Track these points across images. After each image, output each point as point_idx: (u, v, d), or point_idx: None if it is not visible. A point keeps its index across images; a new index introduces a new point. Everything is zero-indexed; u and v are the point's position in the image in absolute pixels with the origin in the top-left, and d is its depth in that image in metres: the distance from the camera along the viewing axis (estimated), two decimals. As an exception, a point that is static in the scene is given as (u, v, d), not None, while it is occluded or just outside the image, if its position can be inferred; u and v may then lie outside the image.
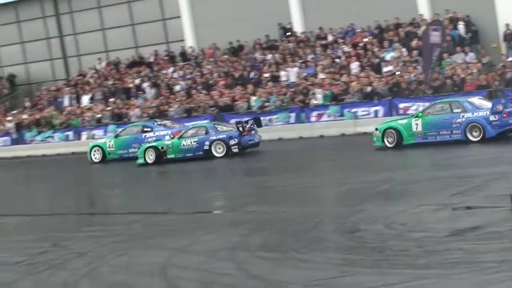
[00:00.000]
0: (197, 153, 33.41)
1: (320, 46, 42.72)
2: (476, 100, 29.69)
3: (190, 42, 48.22)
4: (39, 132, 43.35)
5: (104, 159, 37.51)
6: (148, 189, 28.57)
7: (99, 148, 37.68)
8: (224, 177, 30.29)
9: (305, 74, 41.35)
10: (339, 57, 41.51)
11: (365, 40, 41.79)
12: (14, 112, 48.42)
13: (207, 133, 33.56)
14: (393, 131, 29.83)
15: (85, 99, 46.75)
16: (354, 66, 40.18)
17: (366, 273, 13.47)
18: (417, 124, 29.50)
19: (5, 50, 54.23)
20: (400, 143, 29.74)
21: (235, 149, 32.98)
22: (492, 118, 27.93)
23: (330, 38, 43.24)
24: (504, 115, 27.97)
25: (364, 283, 12.85)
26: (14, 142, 44.69)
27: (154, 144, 34.51)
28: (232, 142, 32.92)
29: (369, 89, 37.65)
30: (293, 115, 38.37)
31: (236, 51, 45.87)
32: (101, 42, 51.33)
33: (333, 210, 20.17)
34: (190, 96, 43.09)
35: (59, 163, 40.74)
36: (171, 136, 35.13)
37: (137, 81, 46.13)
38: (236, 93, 41.68)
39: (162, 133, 36.48)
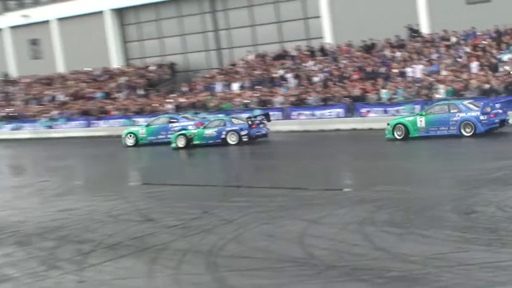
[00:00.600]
0: (216, 141, 36.27)
1: (444, 47, 42.29)
2: (469, 103, 32.11)
3: (328, 39, 48.34)
4: (196, 113, 44.18)
5: (136, 143, 40.16)
6: (282, 167, 28.82)
7: (132, 134, 40.56)
8: (351, 159, 30.35)
9: (429, 71, 40.99)
10: (460, 57, 40.95)
11: (484, 42, 41.15)
12: (174, 95, 49.33)
13: (224, 125, 36.43)
14: (402, 126, 32.32)
15: (235, 86, 47.36)
16: (474, 65, 39.57)
17: (479, 250, 13.47)
18: (421, 121, 32.04)
19: (168, 41, 55.29)
20: (407, 136, 32.13)
21: (245, 139, 35.75)
22: (482, 117, 30.82)
23: (453, 39, 42.68)
24: (491, 115, 30.96)
25: (477, 259, 12.86)
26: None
27: (183, 132, 37.30)
28: (242, 133, 35.77)
29: (487, 86, 37.05)
30: (417, 107, 38.03)
31: (368, 48, 45.78)
32: (251, 36, 51.82)
33: (450, 193, 20.06)
34: (326, 87, 43.19)
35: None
36: (195, 126, 38.12)
37: (281, 72, 46.48)
38: (367, 86, 41.63)
39: (185, 123, 39.27)
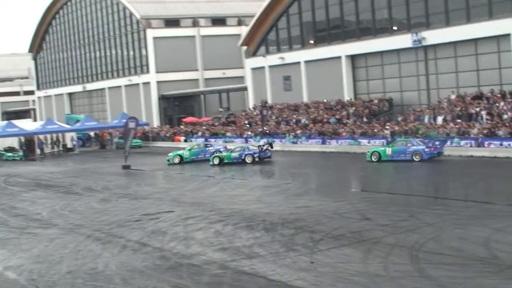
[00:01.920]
0: (238, 160, 41.29)
1: None
2: (417, 140, 38.53)
3: (519, 84, 45.84)
4: (406, 138, 43.56)
5: (181, 162, 44.41)
6: (472, 184, 27.74)
7: (178, 156, 44.88)
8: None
9: None
10: None
11: None
12: (390, 123, 48.82)
13: (244, 150, 42.01)
14: (377, 153, 38.11)
15: (439, 119, 46.04)
16: None
17: None
18: (389, 150, 37.84)
19: (388, 81, 54.79)
20: (380, 159, 37.62)
21: (256, 159, 41.14)
22: (426, 149, 36.85)
23: None
24: (432, 148, 37.16)
25: None
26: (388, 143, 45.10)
27: (218, 154, 42.33)
28: (255, 155, 41.39)
29: None
30: None
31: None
32: (454, 80, 50.19)
33: None
34: (515, 123, 40.95)
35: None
36: (224, 149, 44.36)
37: (477, 109, 44.63)
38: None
39: (217, 147, 45.77)
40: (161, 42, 78.45)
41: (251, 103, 68.46)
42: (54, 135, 66.10)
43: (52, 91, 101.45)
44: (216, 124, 66.23)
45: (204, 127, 65.65)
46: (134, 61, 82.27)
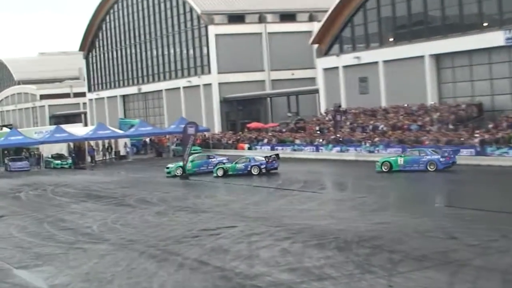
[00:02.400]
0: (243, 172, 43.28)
1: None
2: (431, 150, 41.45)
3: None
4: (498, 148, 42.68)
5: (184, 173, 45.08)
6: None
7: (180, 167, 45.48)
8: None
9: None
10: None
11: None
12: (479, 131, 48.01)
13: (249, 161, 43.99)
14: (388, 162, 40.68)
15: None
16: None
17: None
18: (401, 160, 40.40)
19: (477, 84, 53.95)
20: (391, 169, 40.17)
21: (263, 170, 43.15)
22: (441, 159, 39.44)
23: None
24: (447, 158, 39.68)
25: None
26: (478, 153, 44.32)
27: (222, 166, 44.41)
28: (262, 166, 43.38)
29: None
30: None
31: None
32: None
33: None
34: None
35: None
36: (228, 161, 46.22)
37: None
38: None
39: (220, 159, 47.13)
40: (223, 39, 79.08)
41: (322, 107, 68.33)
42: (106, 141, 67.45)
43: (104, 93, 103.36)
44: (284, 130, 66.33)
45: (270, 134, 65.88)
46: (194, 61, 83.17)
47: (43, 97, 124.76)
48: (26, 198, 38.71)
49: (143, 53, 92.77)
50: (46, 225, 27.53)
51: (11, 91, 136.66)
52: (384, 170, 40.32)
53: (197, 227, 24.64)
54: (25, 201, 37.55)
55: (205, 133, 71.50)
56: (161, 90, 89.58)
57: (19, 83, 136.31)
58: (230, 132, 73.64)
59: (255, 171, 43.03)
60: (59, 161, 61.29)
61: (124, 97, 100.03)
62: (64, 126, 68.41)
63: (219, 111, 79.77)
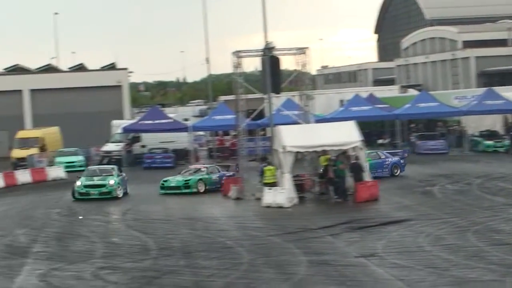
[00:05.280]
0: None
1: None
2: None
3: None
4: None
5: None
6: None
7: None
8: None
9: None
10: None
11: None
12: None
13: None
14: None
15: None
16: None
17: None
18: None
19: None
20: None
21: None
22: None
23: None
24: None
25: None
26: None
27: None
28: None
29: None
30: None
31: None
32: None
33: None
34: None
35: None
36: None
37: None
38: None
39: None
40: None
41: None
42: None
43: None
44: None
45: None
46: None
47: (467, 44, 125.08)
48: (442, 194, 39.72)
49: None
50: (471, 237, 28.07)
51: (419, 35, 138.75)
52: None
53: None
54: (440, 199, 38.56)
55: None
56: None
57: (431, 24, 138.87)
58: None
59: None
60: (491, 142, 61.01)
61: None
62: (498, 89, 66.78)
63: None
